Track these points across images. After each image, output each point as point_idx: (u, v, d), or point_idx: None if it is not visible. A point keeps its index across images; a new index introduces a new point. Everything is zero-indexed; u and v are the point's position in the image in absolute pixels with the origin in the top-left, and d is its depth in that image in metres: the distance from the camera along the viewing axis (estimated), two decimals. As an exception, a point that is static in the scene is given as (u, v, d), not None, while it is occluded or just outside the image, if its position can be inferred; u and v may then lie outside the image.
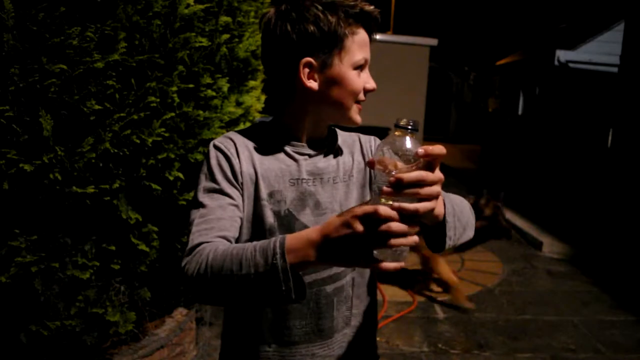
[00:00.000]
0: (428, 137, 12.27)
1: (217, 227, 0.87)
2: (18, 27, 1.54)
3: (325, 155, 1.00)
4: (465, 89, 16.48)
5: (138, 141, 1.82)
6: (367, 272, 1.06)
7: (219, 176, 0.93)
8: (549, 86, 8.31)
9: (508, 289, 3.90)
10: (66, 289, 1.82)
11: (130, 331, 2.02)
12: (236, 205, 0.92)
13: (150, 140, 1.85)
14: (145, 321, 2.17)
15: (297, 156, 0.97)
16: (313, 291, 0.98)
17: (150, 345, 2.08)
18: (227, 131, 2.19)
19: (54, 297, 1.79)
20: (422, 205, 0.72)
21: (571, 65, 8.10)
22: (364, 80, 0.95)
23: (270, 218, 0.94)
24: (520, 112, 9.60)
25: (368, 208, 0.69)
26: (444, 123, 16.03)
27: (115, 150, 1.78)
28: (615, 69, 6.27)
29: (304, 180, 0.97)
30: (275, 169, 0.96)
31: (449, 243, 0.89)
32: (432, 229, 0.88)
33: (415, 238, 0.71)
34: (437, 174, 0.74)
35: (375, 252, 0.71)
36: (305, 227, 0.94)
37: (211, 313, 2.81)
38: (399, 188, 0.70)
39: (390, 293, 3.60)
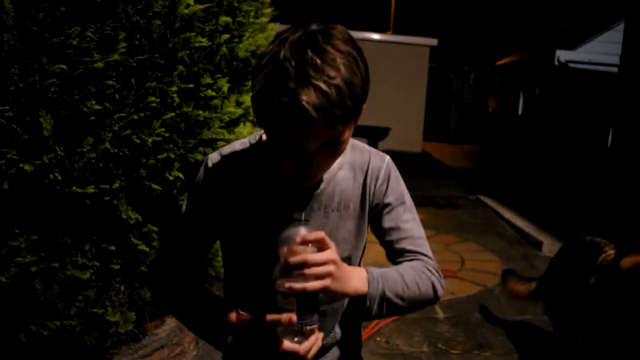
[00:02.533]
0: (428, 137, 12.30)
1: (185, 248, 0.99)
2: (18, 27, 1.54)
3: (321, 182, 0.96)
4: (465, 89, 16.48)
5: (138, 141, 1.82)
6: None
7: (201, 195, 0.97)
8: (549, 86, 8.31)
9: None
10: (66, 289, 1.82)
11: (130, 331, 2.02)
12: (211, 226, 0.98)
13: (150, 140, 1.85)
14: (145, 321, 2.17)
15: (287, 183, 0.94)
16: None
17: (150, 345, 2.08)
18: (227, 131, 2.21)
19: (54, 297, 1.79)
20: (310, 285, 0.78)
21: (571, 65, 8.11)
22: None
23: (254, 242, 0.96)
24: (520, 112, 9.61)
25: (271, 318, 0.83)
26: (444, 123, 16.03)
27: (115, 150, 1.78)
28: (615, 69, 6.26)
29: (293, 210, 0.95)
30: (264, 196, 0.95)
31: (373, 314, 0.92)
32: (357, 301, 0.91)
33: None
34: (324, 255, 0.80)
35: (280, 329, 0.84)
36: None
37: (211, 313, 2.81)
38: (287, 270, 0.79)
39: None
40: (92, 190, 1.74)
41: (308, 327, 0.83)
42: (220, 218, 0.97)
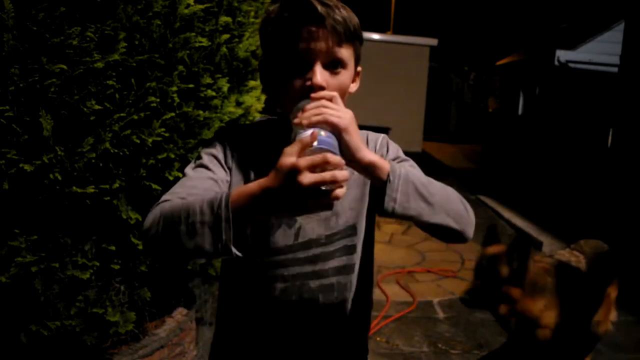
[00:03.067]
0: (428, 137, 12.29)
1: (187, 192, 0.90)
2: (18, 27, 1.54)
3: None
4: (465, 89, 16.48)
5: (138, 141, 1.82)
6: (355, 276, 1.03)
7: (208, 157, 0.98)
8: (549, 86, 8.31)
9: (508, 289, 3.89)
10: (66, 289, 1.82)
11: (130, 331, 2.02)
12: (216, 181, 0.95)
13: (150, 140, 1.85)
14: (145, 321, 2.17)
15: None
16: (296, 284, 0.98)
17: (150, 345, 2.08)
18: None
19: (54, 297, 1.79)
20: (330, 116, 0.82)
21: (571, 65, 8.10)
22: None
23: None
24: (520, 112, 9.60)
25: (310, 160, 0.73)
26: (444, 123, 16.02)
27: (115, 150, 1.78)
28: (615, 69, 6.26)
29: None
30: (268, 167, 0.95)
31: (392, 205, 0.83)
32: (378, 191, 0.85)
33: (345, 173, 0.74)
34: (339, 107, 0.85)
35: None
36: (297, 222, 0.98)
37: (211, 313, 2.81)
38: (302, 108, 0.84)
39: (390, 293, 3.60)
40: (92, 190, 1.74)
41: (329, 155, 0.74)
42: (227, 180, 0.97)
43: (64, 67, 1.61)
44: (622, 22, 6.62)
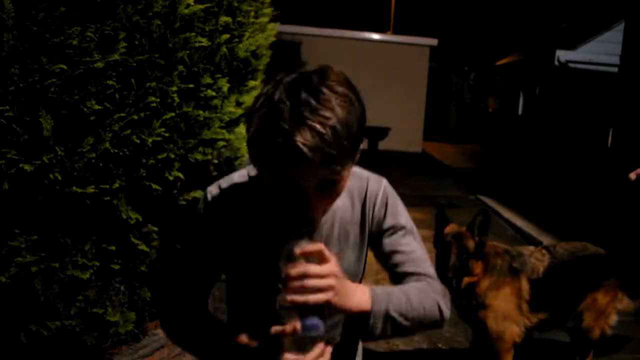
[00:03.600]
0: (428, 137, 12.29)
1: (188, 281, 1.00)
2: (18, 27, 1.54)
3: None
4: (465, 89, 16.48)
5: (138, 141, 1.82)
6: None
7: (201, 228, 0.98)
8: (549, 86, 8.31)
9: (508, 289, 3.89)
10: (66, 289, 1.82)
11: (130, 331, 2.02)
12: (213, 257, 0.98)
13: (150, 140, 1.85)
14: (145, 321, 2.17)
15: (282, 223, 0.93)
16: None
17: (150, 345, 2.08)
18: (227, 131, 2.21)
19: (54, 297, 1.79)
20: (313, 297, 0.76)
21: (571, 65, 8.11)
22: None
23: (255, 275, 0.97)
24: (520, 112, 9.61)
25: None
26: (444, 123, 16.02)
27: (115, 150, 1.78)
28: (615, 69, 6.26)
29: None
30: (263, 229, 0.96)
31: (377, 334, 0.88)
32: (360, 320, 0.87)
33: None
34: (325, 267, 0.78)
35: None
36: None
37: (211, 313, 2.81)
38: (288, 284, 0.77)
39: (390, 293, 3.60)
40: (92, 190, 1.74)
41: (313, 337, 0.79)
42: (221, 250, 0.98)
43: (64, 67, 1.61)
44: (622, 22, 6.62)
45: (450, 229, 2.26)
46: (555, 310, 2.38)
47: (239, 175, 0.99)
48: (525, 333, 2.33)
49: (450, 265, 2.15)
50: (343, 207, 0.99)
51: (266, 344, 0.84)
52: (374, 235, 1.01)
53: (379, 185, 1.02)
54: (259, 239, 0.96)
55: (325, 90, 0.78)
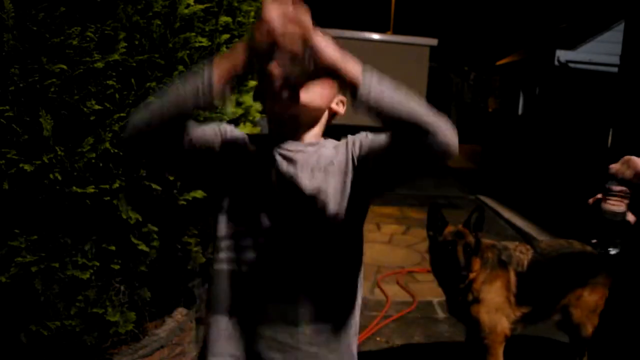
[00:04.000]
0: (428, 137, 12.27)
1: None
2: (18, 27, 1.54)
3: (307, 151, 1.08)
4: (465, 89, 16.48)
5: (138, 141, 1.82)
6: (340, 266, 1.07)
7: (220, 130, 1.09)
8: (549, 86, 8.31)
9: (508, 289, 3.89)
10: (66, 289, 1.82)
11: (130, 331, 2.02)
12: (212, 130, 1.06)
13: (150, 140, 1.85)
14: (145, 321, 2.17)
15: (279, 156, 1.06)
16: (277, 267, 1.03)
17: (150, 345, 2.08)
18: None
19: (54, 297, 1.79)
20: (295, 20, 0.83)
21: (571, 65, 8.10)
22: None
23: (244, 203, 1.05)
24: (520, 112, 9.60)
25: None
26: (444, 123, 16.00)
27: (115, 150, 1.78)
28: (615, 69, 6.26)
29: (284, 164, 1.05)
30: (258, 163, 1.06)
31: (367, 89, 0.87)
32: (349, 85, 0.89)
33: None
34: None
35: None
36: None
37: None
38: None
39: (390, 293, 3.60)
40: (92, 190, 1.74)
41: None
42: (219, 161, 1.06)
43: (64, 67, 1.61)
44: (622, 22, 6.61)
45: (450, 230, 2.27)
46: (538, 304, 2.40)
47: (249, 134, 1.14)
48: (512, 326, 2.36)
49: (463, 265, 2.18)
50: (327, 149, 1.09)
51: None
52: (360, 161, 1.06)
53: (361, 134, 1.10)
54: (252, 170, 1.06)
55: None
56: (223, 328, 1.06)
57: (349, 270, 1.08)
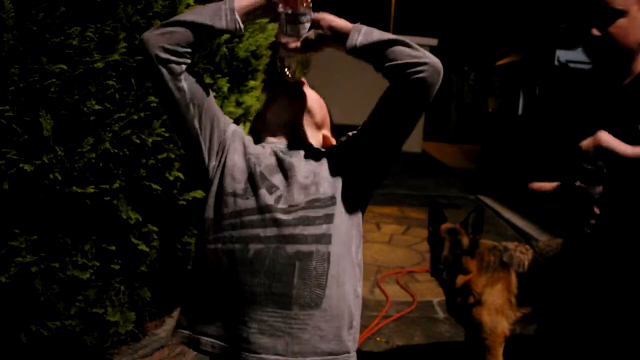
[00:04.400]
0: (428, 137, 12.30)
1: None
2: (18, 27, 1.54)
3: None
4: (465, 89, 16.48)
5: (138, 141, 1.82)
6: (347, 252, 1.07)
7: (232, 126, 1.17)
8: (549, 86, 8.31)
9: (508, 289, 3.89)
10: (66, 289, 1.82)
11: (130, 331, 2.02)
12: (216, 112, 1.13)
13: (150, 140, 1.85)
14: (145, 321, 2.17)
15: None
16: (271, 247, 1.01)
17: (150, 345, 2.08)
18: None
19: (54, 297, 1.79)
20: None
21: (571, 65, 8.10)
22: None
23: (241, 188, 1.07)
24: (520, 112, 9.60)
25: None
26: (444, 123, 16.02)
27: (115, 150, 1.78)
28: (615, 69, 6.25)
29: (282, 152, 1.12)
30: (258, 154, 1.12)
31: (356, 37, 1.02)
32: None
33: None
34: None
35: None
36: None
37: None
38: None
39: (390, 293, 3.60)
40: (92, 190, 1.74)
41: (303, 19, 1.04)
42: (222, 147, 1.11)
43: (64, 67, 1.61)
44: (622, 22, 6.60)
45: (446, 226, 2.28)
46: (538, 305, 2.40)
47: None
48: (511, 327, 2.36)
49: (442, 256, 2.15)
50: (323, 148, 1.19)
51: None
52: (355, 152, 1.11)
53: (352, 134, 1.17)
54: (253, 158, 1.10)
55: None
56: (210, 308, 1.04)
57: (344, 255, 1.06)
